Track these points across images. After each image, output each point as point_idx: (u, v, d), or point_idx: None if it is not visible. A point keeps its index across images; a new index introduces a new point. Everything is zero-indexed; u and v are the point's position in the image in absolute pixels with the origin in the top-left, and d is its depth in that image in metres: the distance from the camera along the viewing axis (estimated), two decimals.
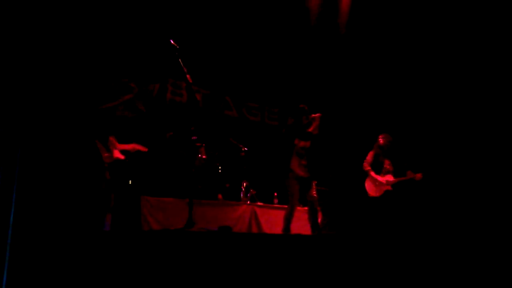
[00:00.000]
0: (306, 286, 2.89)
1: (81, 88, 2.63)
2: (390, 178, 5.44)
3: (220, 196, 5.87)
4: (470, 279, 3.40)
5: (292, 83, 7.82)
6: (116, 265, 2.33)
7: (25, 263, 2.07)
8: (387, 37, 7.02)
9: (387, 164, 5.51)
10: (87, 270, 2.23)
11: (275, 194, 6.48)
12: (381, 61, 7.22)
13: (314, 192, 4.83)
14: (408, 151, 5.89)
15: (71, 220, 2.33)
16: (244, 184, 6.11)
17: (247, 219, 5.70)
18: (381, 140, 5.54)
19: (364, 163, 5.61)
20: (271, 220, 5.81)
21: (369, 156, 5.61)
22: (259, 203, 6.05)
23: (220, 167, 5.97)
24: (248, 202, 5.93)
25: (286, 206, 4.84)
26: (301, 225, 5.28)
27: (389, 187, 5.40)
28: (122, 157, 4.18)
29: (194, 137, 4.24)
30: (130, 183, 4.20)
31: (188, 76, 3.77)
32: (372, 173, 5.51)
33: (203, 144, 5.67)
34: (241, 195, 6.07)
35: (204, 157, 5.63)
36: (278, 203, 6.31)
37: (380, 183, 5.44)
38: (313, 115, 4.90)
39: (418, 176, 5.28)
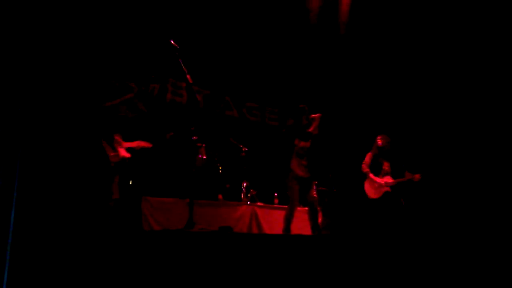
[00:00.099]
0: (306, 286, 2.89)
1: (83, 87, 2.64)
2: (388, 179, 5.38)
3: (220, 196, 5.87)
4: (470, 279, 3.40)
5: (292, 83, 7.82)
6: (117, 265, 2.34)
7: (26, 262, 2.07)
8: (387, 37, 7.03)
9: (385, 166, 5.45)
10: (88, 270, 2.24)
11: (276, 194, 6.47)
12: (380, 62, 7.23)
13: (315, 192, 4.83)
14: (406, 152, 5.88)
15: (72, 219, 2.33)
16: (245, 184, 6.11)
17: (248, 219, 5.69)
18: (379, 141, 5.47)
19: (363, 165, 5.52)
20: (272, 220, 5.80)
21: (367, 158, 5.53)
22: (259, 204, 6.05)
23: (220, 167, 5.98)
24: (249, 202, 5.93)
25: (286, 207, 4.84)
26: (301, 225, 5.28)
27: (388, 189, 5.33)
28: (128, 155, 4.17)
29: (194, 137, 4.23)
30: (130, 183, 4.20)
31: (188, 76, 3.78)
32: (371, 175, 5.44)
33: (204, 144, 5.68)
34: (242, 195, 6.06)
35: (204, 157, 5.63)
36: (279, 204, 6.30)
37: (379, 184, 5.38)
38: (313, 115, 4.90)
39: (417, 177, 5.23)
